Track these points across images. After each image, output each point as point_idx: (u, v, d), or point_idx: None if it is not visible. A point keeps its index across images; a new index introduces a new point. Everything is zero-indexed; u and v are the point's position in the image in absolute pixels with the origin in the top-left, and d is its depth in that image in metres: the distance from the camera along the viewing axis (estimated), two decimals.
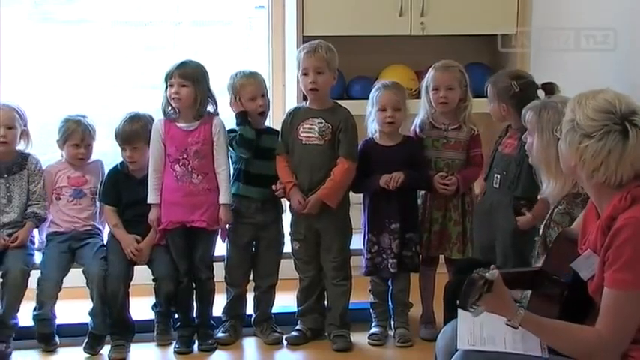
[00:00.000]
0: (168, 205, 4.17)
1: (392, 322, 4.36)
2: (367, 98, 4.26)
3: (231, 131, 4.20)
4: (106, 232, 4.31)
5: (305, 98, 4.32)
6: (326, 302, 4.35)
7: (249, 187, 4.23)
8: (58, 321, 4.20)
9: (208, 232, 4.21)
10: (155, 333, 4.29)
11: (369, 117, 4.24)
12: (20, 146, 4.25)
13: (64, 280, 4.10)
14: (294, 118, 4.22)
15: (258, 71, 4.36)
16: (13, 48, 5.19)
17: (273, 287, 4.37)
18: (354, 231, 4.31)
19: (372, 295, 4.38)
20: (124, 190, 4.24)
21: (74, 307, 4.27)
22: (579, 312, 2.58)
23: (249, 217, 4.26)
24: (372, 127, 4.24)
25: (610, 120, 2.47)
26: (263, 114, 4.25)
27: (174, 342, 4.24)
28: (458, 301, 2.51)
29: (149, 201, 4.16)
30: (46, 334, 4.17)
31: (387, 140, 4.22)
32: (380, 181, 4.12)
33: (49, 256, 4.15)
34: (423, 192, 4.29)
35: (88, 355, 4.13)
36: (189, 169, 4.14)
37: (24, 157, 4.24)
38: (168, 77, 4.12)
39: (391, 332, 4.34)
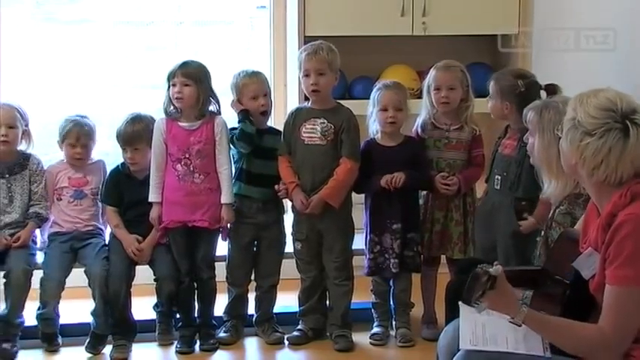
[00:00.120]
0: (170, 204, 4.17)
1: (393, 322, 4.36)
2: (369, 98, 4.26)
3: (232, 129, 4.21)
4: (108, 232, 4.31)
5: (307, 98, 4.32)
6: (328, 302, 4.35)
7: (250, 187, 4.23)
8: (61, 321, 4.21)
9: (210, 231, 4.21)
10: (157, 333, 4.29)
11: (371, 117, 4.24)
12: (22, 146, 4.25)
13: (67, 280, 4.10)
14: (297, 118, 4.22)
15: (261, 71, 4.36)
16: (15, 48, 5.20)
17: (274, 287, 4.37)
18: (356, 231, 4.31)
19: (373, 295, 4.38)
20: (125, 191, 4.24)
21: (76, 307, 4.27)
22: (581, 312, 2.58)
23: (250, 216, 4.26)
24: (374, 128, 4.24)
25: (611, 118, 2.47)
26: (265, 113, 4.25)
27: (176, 342, 4.24)
28: (461, 296, 2.52)
29: (150, 199, 4.16)
30: (49, 334, 4.17)
31: (388, 140, 4.22)
32: (381, 181, 4.13)
33: (51, 256, 4.15)
34: (424, 192, 4.30)
35: (90, 354, 4.14)
36: (191, 169, 4.14)
37: (25, 157, 4.25)
38: (171, 77, 4.12)
39: (393, 332, 4.34)
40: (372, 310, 4.38)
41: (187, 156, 4.14)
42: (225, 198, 4.17)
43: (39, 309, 4.12)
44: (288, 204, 4.38)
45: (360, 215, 4.31)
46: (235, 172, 4.25)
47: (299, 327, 4.34)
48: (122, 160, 4.27)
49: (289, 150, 4.20)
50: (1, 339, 4.08)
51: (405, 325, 4.31)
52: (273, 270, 4.35)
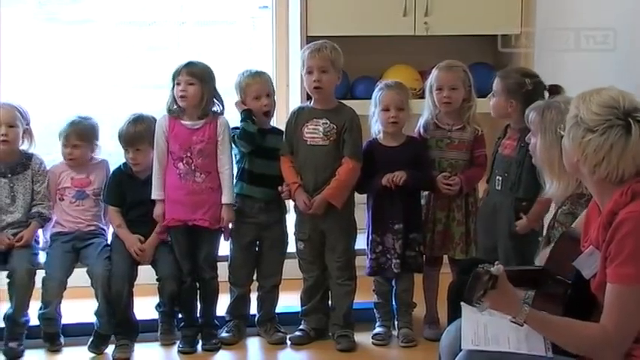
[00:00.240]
0: (171, 203, 4.17)
1: (396, 322, 4.36)
2: (371, 98, 4.25)
3: (235, 128, 4.21)
4: (110, 232, 4.31)
5: (309, 98, 4.32)
6: (330, 302, 4.35)
7: (252, 187, 4.23)
8: (63, 321, 4.21)
9: (212, 231, 4.21)
10: (159, 333, 4.29)
11: (372, 117, 4.24)
12: (23, 146, 4.25)
13: (69, 280, 4.11)
14: (299, 118, 4.22)
15: (265, 71, 4.37)
16: (17, 48, 5.21)
17: (276, 287, 4.37)
18: (358, 231, 4.31)
19: (375, 296, 4.38)
20: (127, 191, 4.24)
21: (79, 307, 4.27)
22: (583, 311, 2.58)
23: (252, 216, 4.26)
24: (376, 128, 4.24)
25: (613, 115, 2.48)
26: (268, 114, 4.25)
27: (178, 342, 4.24)
28: (463, 296, 2.52)
29: (153, 197, 4.16)
30: (52, 334, 4.17)
31: (390, 140, 4.22)
32: (382, 179, 4.13)
33: (53, 255, 4.16)
34: (426, 192, 4.30)
35: (92, 354, 4.14)
36: (193, 168, 4.14)
37: (27, 157, 4.25)
38: (176, 75, 4.13)
39: (395, 332, 4.34)
40: (375, 310, 4.38)
41: (189, 155, 4.14)
42: (226, 198, 4.17)
43: (41, 309, 4.12)
44: (290, 204, 4.38)
45: (362, 215, 4.31)
46: (237, 172, 4.25)
47: (301, 327, 4.34)
48: (124, 160, 4.27)
49: (291, 150, 4.21)
50: (8, 338, 4.10)
51: (407, 325, 4.31)
52: (275, 270, 4.35)
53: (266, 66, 5.05)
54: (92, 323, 4.15)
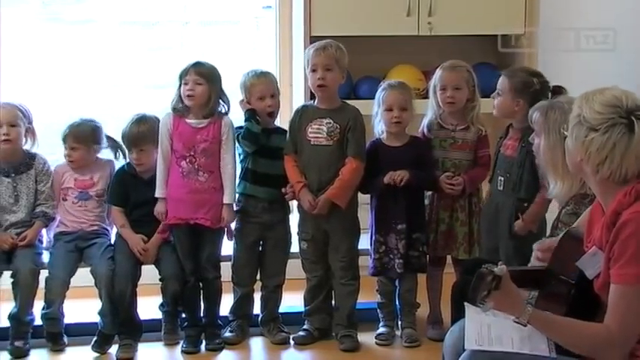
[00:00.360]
0: (173, 201, 4.17)
1: (399, 323, 4.36)
2: (374, 98, 4.26)
3: (239, 128, 4.21)
4: (113, 232, 4.32)
5: (312, 98, 4.32)
6: (333, 302, 4.35)
7: (256, 187, 4.23)
8: (66, 320, 4.21)
9: (214, 231, 4.21)
10: (162, 332, 4.29)
11: (376, 117, 4.24)
12: (26, 145, 4.26)
13: (73, 279, 4.11)
14: (302, 117, 4.22)
15: (270, 71, 4.37)
16: (20, 48, 5.21)
17: (280, 287, 4.37)
18: (361, 231, 4.31)
19: (379, 296, 4.37)
20: (131, 191, 4.24)
21: (82, 307, 4.28)
22: (587, 311, 2.57)
23: (255, 216, 4.26)
24: (379, 128, 4.24)
25: (616, 113, 2.47)
26: (272, 114, 4.25)
27: (182, 342, 4.24)
28: (466, 296, 2.51)
29: (156, 194, 4.16)
30: (55, 334, 4.18)
31: (393, 140, 4.22)
32: (384, 178, 4.12)
33: (56, 255, 4.16)
34: (429, 192, 4.29)
35: (96, 354, 4.14)
36: (196, 167, 4.14)
37: (31, 157, 4.25)
38: (184, 74, 4.13)
39: (398, 332, 4.34)
40: (378, 310, 4.38)
41: (192, 153, 4.14)
42: (227, 198, 4.18)
43: (44, 308, 4.13)
44: (293, 203, 4.38)
45: (366, 215, 4.31)
46: (241, 172, 4.25)
47: (304, 327, 4.34)
48: (127, 161, 4.27)
49: (295, 148, 4.20)
50: (14, 337, 4.12)
51: (410, 325, 4.31)
52: (278, 270, 4.35)
53: (269, 66, 5.04)
54: (96, 323, 4.16)
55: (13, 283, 4.07)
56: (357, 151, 4.14)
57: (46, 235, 4.31)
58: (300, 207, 4.25)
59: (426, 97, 4.46)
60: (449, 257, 4.37)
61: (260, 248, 4.35)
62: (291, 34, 5.17)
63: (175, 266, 4.18)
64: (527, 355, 2.53)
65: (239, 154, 4.25)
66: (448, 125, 4.26)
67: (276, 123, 4.39)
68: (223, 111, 4.23)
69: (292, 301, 4.49)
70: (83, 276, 4.15)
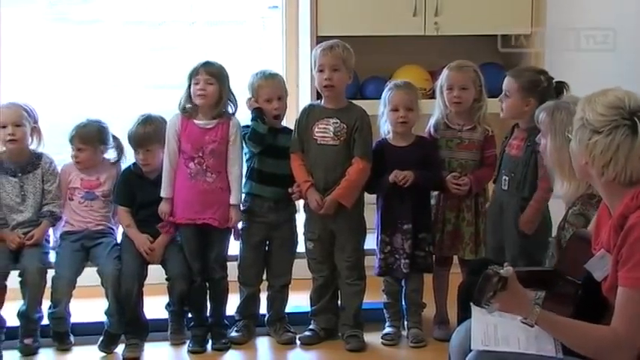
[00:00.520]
0: (181, 202, 4.17)
1: (405, 323, 4.35)
2: (380, 98, 4.25)
3: (246, 127, 4.21)
4: (119, 231, 4.32)
5: (319, 97, 4.32)
6: (339, 302, 4.35)
7: (262, 186, 4.23)
8: (73, 320, 4.22)
9: (221, 231, 4.22)
10: (169, 332, 4.30)
11: (382, 117, 4.24)
12: (32, 145, 4.26)
13: (79, 279, 4.12)
14: (309, 116, 4.22)
15: (278, 73, 4.36)
16: (27, 48, 5.22)
17: (286, 287, 4.37)
18: (368, 231, 4.31)
19: (385, 296, 4.37)
20: (137, 191, 4.24)
21: (89, 306, 4.29)
22: (594, 312, 2.58)
23: (262, 216, 4.26)
24: (385, 128, 4.24)
25: (619, 115, 2.47)
26: (278, 117, 4.25)
27: (188, 341, 4.24)
28: (473, 298, 2.51)
29: (162, 194, 4.16)
30: (61, 333, 4.19)
31: (400, 140, 4.22)
32: (389, 177, 4.12)
33: (62, 255, 4.17)
34: (436, 192, 4.29)
35: (102, 353, 4.15)
36: (204, 167, 4.15)
37: (37, 157, 4.26)
38: (194, 74, 4.13)
39: (404, 332, 4.34)
40: (384, 310, 4.38)
41: (201, 154, 4.14)
42: (234, 199, 4.18)
43: (50, 308, 4.14)
44: (299, 203, 4.38)
45: (372, 215, 4.31)
46: (247, 171, 4.25)
47: (311, 327, 4.34)
48: (134, 161, 4.28)
49: (302, 147, 4.20)
50: (23, 335, 4.13)
51: (416, 325, 4.31)
52: (284, 270, 4.35)
53: (275, 66, 5.05)
54: (102, 322, 4.17)
55: (20, 282, 4.08)
56: (363, 151, 4.14)
57: (53, 235, 4.32)
58: (306, 207, 4.25)
59: (432, 97, 4.46)
60: (455, 257, 4.36)
61: (266, 248, 4.35)
62: (297, 34, 5.17)
63: (182, 266, 4.19)
64: (534, 355, 2.53)
65: (245, 154, 4.25)
66: (455, 125, 4.25)
67: (282, 123, 4.39)
68: (231, 111, 4.23)
69: (298, 301, 4.49)
70: (89, 275, 4.16)
